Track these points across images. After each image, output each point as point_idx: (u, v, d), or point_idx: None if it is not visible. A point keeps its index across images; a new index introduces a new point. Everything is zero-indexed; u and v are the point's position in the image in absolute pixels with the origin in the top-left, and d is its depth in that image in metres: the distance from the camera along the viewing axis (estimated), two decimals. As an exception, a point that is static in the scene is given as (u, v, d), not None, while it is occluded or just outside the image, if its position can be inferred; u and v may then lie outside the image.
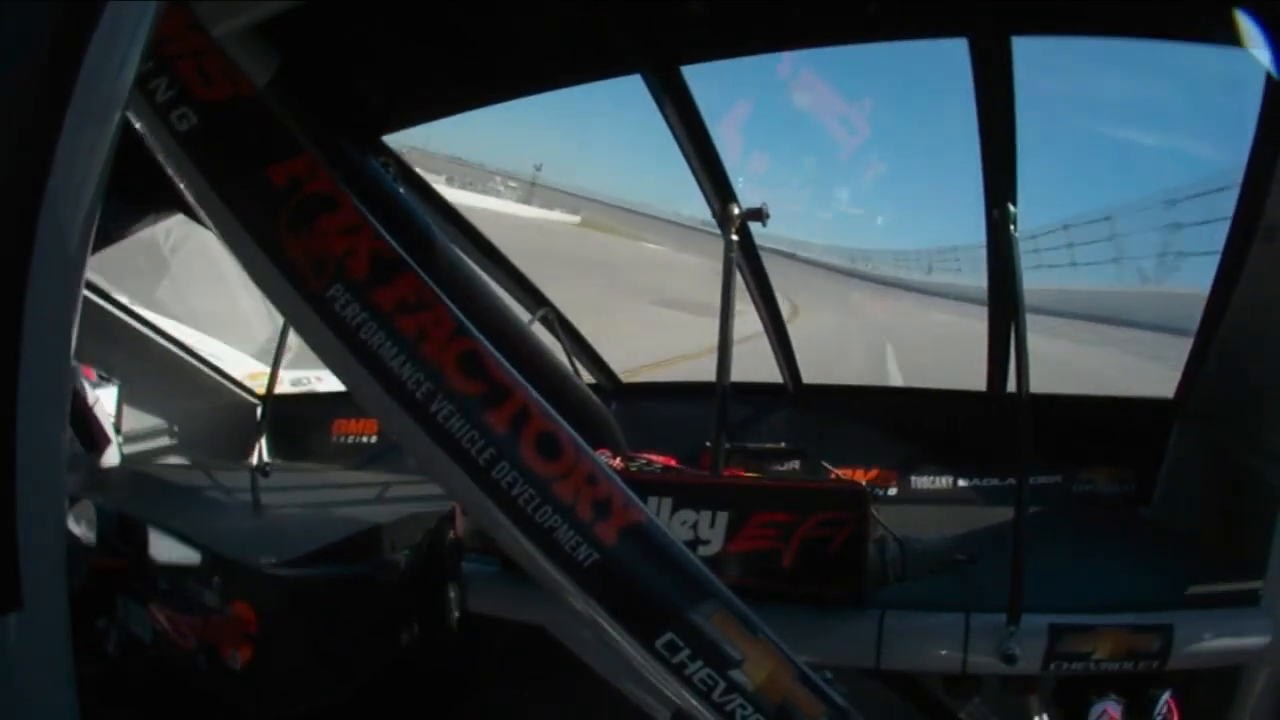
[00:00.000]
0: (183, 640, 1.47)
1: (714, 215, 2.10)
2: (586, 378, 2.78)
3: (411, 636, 1.58)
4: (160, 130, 0.91)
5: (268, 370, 2.37)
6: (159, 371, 2.64)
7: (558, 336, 2.53)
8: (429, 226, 1.79)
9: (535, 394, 0.96)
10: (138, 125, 0.91)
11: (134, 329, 2.52)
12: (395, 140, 2.00)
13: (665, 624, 0.94)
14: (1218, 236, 1.87)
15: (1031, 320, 1.49)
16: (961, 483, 2.47)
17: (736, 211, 2.00)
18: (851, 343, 10.91)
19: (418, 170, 2.28)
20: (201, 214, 0.94)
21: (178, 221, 2.28)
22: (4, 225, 0.51)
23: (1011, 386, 1.69)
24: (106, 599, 1.55)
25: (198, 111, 0.90)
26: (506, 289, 2.53)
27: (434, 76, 1.77)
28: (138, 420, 2.63)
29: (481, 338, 0.96)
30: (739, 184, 2.15)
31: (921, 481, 2.50)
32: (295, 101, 1.50)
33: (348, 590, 1.52)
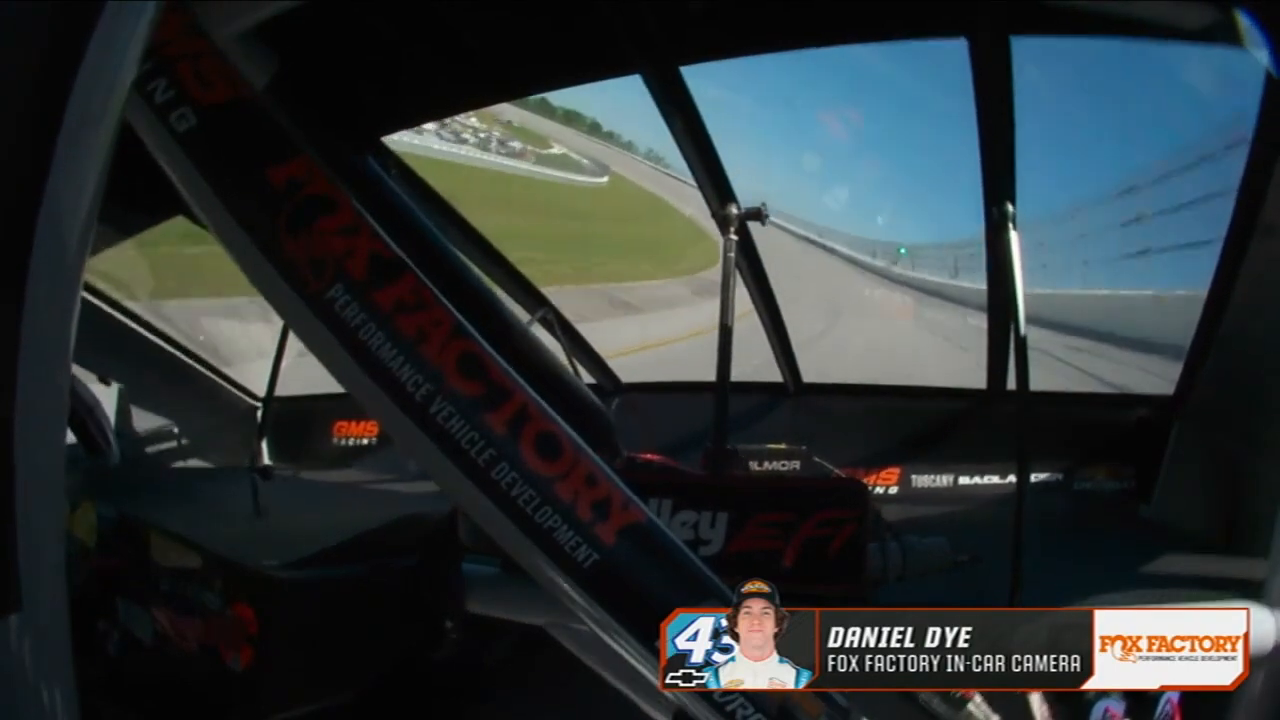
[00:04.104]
0: (183, 642, 1.46)
1: (713, 215, 2.11)
2: (586, 378, 2.78)
3: (412, 638, 1.58)
4: (160, 131, 0.90)
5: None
6: (159, 373, 2.63)
7: (557, 337, 2.53)
8: (428, 227, 1.79)
9: (534, 394, 0.96)
10: (137, 126, 0.91)
11: (134, 331, 2.52)
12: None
13: None
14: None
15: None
16: (962, 482, 2.47)
17: (735, 211, 2.01)
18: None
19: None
20: (201, 215, 0.94)
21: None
22: (4, 225, 0.51)
23: (1011, 385, 1.69)
24: (107, 601, 1.54)
25: (197, 112, 0.90)
26: (506, 289, 2.53)
27: (433, 77, 1.77)
28: (138, 422, 2.62)
29: (481, 338, 0.96)
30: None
31: (921, 481, 2.50)
32: (294, 103, 1.50)
33: (348, 592, 1.51)
